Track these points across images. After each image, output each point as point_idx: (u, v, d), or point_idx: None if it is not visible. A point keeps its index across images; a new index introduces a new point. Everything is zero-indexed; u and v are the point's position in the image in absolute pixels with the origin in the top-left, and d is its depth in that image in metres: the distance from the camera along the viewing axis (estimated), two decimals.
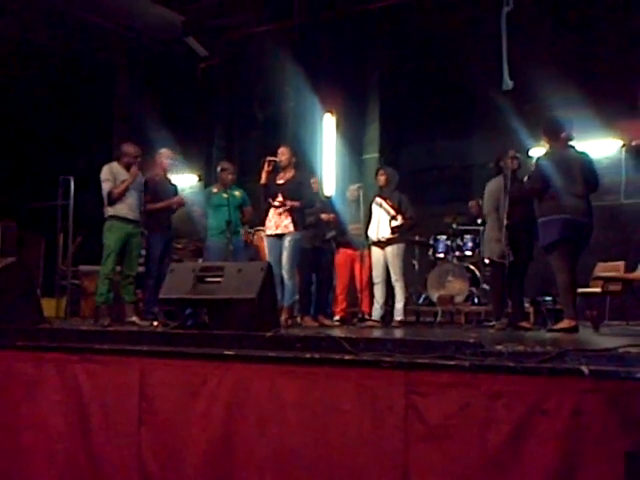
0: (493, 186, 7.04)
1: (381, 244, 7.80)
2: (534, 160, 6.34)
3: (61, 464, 4.57)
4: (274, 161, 7.23)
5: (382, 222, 7.79)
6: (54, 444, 4.62)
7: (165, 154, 7.77)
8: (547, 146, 6.36)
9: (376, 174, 8.25)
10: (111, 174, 7.05)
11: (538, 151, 8.28)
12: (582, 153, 6.24)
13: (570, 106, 9.45)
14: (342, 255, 8.49)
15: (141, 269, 7.76)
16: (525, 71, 10.14)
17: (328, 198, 8.81)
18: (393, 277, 7.74)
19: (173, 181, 8.06)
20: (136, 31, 12.66)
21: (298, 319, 7.73)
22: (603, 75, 10.54)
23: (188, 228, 9.18)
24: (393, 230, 7.71)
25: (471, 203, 7.80)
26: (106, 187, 7.01)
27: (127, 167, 7.15)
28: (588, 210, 5.96)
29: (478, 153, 11.56)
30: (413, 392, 3.50)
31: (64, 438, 4.58)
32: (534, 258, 6.77)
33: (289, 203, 7.11)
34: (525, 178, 6.40)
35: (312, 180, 8.58)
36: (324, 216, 8.16)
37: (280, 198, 7.16)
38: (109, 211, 7.00)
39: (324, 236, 8.17)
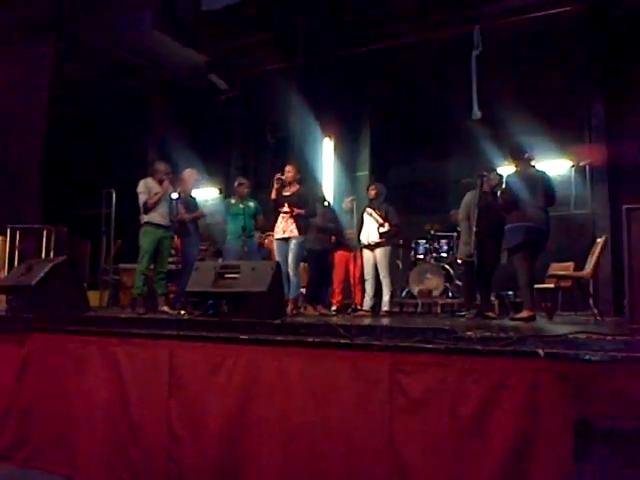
0: (468, 198, 7.04)
1: (371, 247, 7.78)
2: (504, 178, 6.32)
3: (104, 429, 4.57)
4: (281, 179, 7.23)
5: (372, 229, 7.79)
6: (98, 412, 4.62)
7: (191, 173, 7.77)
8: (513, 166, 6.36)
9: (367, 188, 8.25)
10: (146, 187, 7.04)
11: (503, 170, 8.28)
12: (542, 172, 6.24)
13: (529, 133, 9.46)
14: (339, 255, 8.47)
15: (172, 267, 7.77)
16: (492, 103, 10.18)
17: (329, 206, 8.70)
18: (381, 274, 7.72)
19: (196, 194, 8.07)
20: (168, 69, 12.69)
21: (302, 309, 7.72)
22: (557, 108, 10.58)
23: (211, 233, 9.19)
24: (381, 235, 7.69)
25: (452, 212, 7.74)
26: (142, 198, 7.00)
27: (160, 182, 7.14)
28: (546, 219, 5.98)
29: (452, 171, 11.59)
30: (397, 370, 3.50)
31: (106, 407, 4.59)
32: (500, 260, 6.75)
33: (296, 211, 7.10)
34: (498, 193, 6.38)
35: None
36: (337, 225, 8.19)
37: (286, 208, 7.16)
38: (144, 218, 6.99)
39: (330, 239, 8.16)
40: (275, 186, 7.19)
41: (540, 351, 3.14)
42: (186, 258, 7.46)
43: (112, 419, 4.54)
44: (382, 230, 7.69)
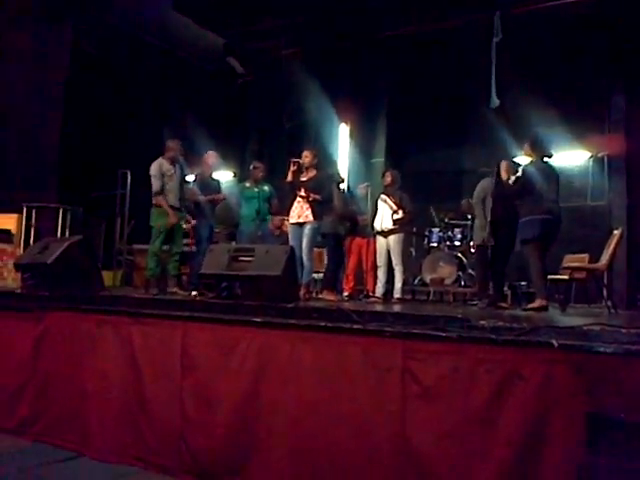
0: (485, 183, 7.01)
1: (384, 234, 7.78)
2: (521, 167, 6.25)
3: (116, 407, 4.62)
4: (298, 162, 7.18)
5: (385, 215, 7.78)
6: (111, 390, 4.66)
7: (212, 155, 7.74)
8: (527, 156, 6.31)
9: (383, 175, 8.24)
10: (159, 171, 7.02)
11: (519, 160, 8.21)
12: (553, 166, 6.23)
13: (547, 123, 9.41)
14: (352, 242, 8.46)
15: (186, 248, 7.78)
16: (510, 92, 10.08)
17: (346, 191, 8.63)
18: (394, 261, 7.72)
19: (216, 177, 8.05)
20: (186, 51, 12.66)
21: (314, 293, 7.72)
22: (575, 97, 10.46)
23: (225, 215, 9.20)
24: (395, 222, 7.70)
25: (463, 202, 7.69)
26: (156, 184, 6.96)
27: (171, 160, 7.14)
28: (560, 212, 6.00)
29: (468, 160, 11.52)
30: (410, 357, 3.50)
31: (119, 386, 4.63)
32: (514, 249, 6.72)
33: (312, 196, 7.04)
34: (511, 180, 6.32)
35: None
36: (354, 208, 8.20)
37: (303, 193, 7.10)
38: (161, 200, 6.98)
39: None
40: (291, 168, 7.12)
41: (554, 342, 3.12)
42: (198, 239, 7.46)
43: (125, 398, 4.58)
44: (396, 217, 7.68)
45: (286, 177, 7.20)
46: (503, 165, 6.65)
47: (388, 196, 7.85)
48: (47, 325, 5.11)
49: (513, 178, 6.31)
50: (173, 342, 4.42)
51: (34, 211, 8.56)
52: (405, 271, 8.03)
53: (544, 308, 5.77)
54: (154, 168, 7.05)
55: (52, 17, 9.65)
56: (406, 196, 7.89)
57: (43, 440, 4.91)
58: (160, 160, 7.15)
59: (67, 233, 8.54)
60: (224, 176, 13.40)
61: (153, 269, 7.04)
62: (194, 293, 6.49)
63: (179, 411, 4.30)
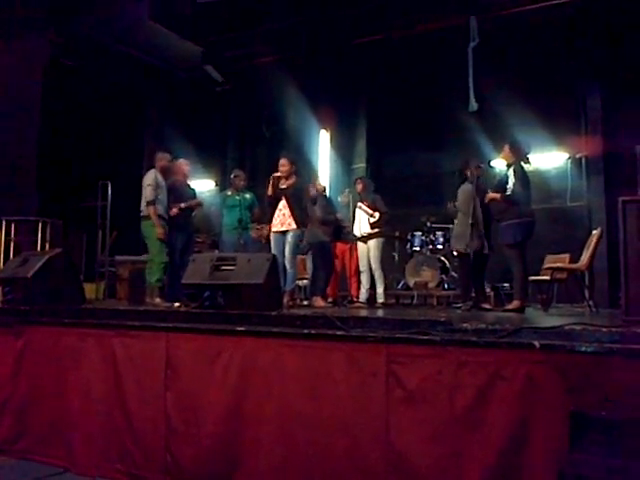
0: (466, 189, 7.00)
1: (364, 239, 7.82)
2: (511, 169, 6.22)
3: (101, 421, 4.58)
4: (277, 177, 7.11)
5: (363, 221, 7.87)
6: (95, 404, 4.63)
7: (184, 162, 7.65)
8: (506, 160, 6.34)
9: (354, 183, 8.35)
10: (155, 180, 6.93)
11: (498, 162, 8.26)
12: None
13: (525, 125, 9.49)
14: (335, 247, 8.45)
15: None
16: (488, 95, 10.16)
17: (326, 197, 8.61)
18: (373, 266, 7.76)
19: (193, 186, 7.97)
20: (163, 60, 12.64)
21: (298, 300, 7.70)
22: (553, 99, 10.57)
23: (206, 225, 9.16)
24: (372, 225, 7.76)
25: (449, 205, 7.65)
26: (151, 193, 6.82)
27: (162, 170, 7.09)
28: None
29: (448, 163, 11.55)
30: (393, 362, 3.51)
31: (103, 399, 4.59)
32: (494, 251, 6.76)
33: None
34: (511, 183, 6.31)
35: (317, 183, 8.53)
36: (339, 215, 8.19)
37: (284, 201, 7.05)
38: (156, 211, 6.86)
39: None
40: (272, 183, 7.07)
41: (536, 343, 3.15)
42: (173, 250, 7.32)
43: (109, 411, 4.54)
44: (372, 220, 7.75)
45: (267, 191, 7.14)
46: (472, 171, 6.71)
47: (362, 202, 7.93)
48: (28, 340, 5.06)
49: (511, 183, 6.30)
50: (156, 353, 4.39)
51: (13, 224, 8.47)
52: (386, 276, 8.06)
53: (521, 309, 5.85)
54: (150, 177, 6.95)
55: (28, 29, 9.58)
56: (379, 197, 7.99)
57: (27, 457, 4.86)
58: (154, 170, 7.08)
59: (47, 246, 8.44)
60: (205, 185, 13.37)
61: (161, 279, 6.92)
62: (177, 304, 6.46)
63: (164, 423, 4.27)
